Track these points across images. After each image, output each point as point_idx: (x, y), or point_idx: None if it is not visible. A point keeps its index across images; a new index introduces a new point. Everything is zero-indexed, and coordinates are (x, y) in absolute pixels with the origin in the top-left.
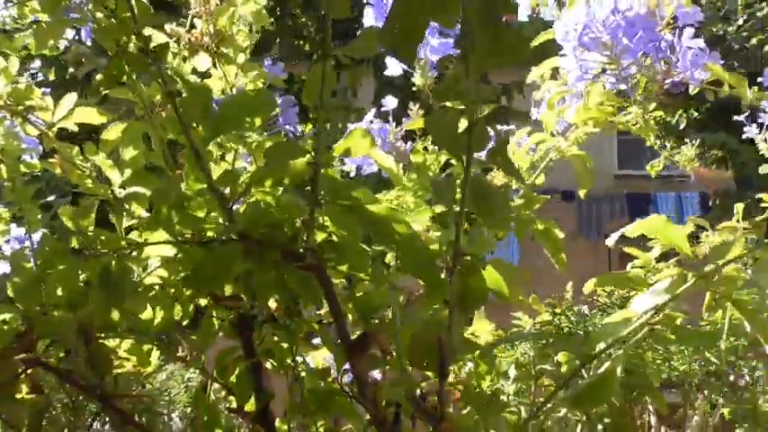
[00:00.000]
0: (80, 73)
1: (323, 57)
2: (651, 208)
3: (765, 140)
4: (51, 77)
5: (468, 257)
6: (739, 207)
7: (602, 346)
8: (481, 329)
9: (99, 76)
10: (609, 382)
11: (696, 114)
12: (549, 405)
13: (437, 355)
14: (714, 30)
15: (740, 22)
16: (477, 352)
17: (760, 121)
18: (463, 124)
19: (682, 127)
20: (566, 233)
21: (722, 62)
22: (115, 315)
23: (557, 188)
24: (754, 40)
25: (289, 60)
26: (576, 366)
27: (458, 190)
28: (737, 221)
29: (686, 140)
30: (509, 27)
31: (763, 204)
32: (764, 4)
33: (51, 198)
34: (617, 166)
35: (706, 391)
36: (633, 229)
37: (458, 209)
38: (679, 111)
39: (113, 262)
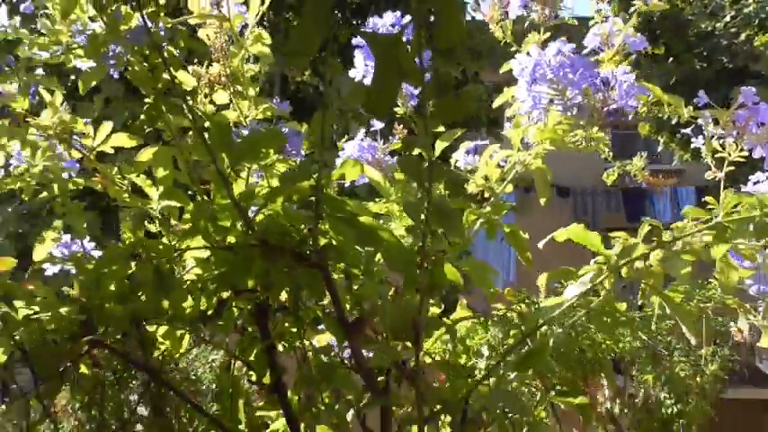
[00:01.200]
0: (86, 88)
1: (323, 107)
2: (647, 202)
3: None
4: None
5: (434, 257)
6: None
7: (540, 322)
8: (461, 315)
9: (142, 116)
10: (542, 350)
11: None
12: (499, 368)
13: (412, 331)
14: (702, 26)
15: (728, 18)
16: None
17: (705, 133)
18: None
19: (674, 122)
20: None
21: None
22: (165, 305)
23: (554, 183)
24: (742, 36)
25: (284, 64)
26: (519, 337)
27: (424, 210)
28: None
29: (677, 134)
30: (456, 96)
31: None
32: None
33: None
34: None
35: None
36: (559, 234)
37: (423, 224)
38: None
39: (163, 264)
